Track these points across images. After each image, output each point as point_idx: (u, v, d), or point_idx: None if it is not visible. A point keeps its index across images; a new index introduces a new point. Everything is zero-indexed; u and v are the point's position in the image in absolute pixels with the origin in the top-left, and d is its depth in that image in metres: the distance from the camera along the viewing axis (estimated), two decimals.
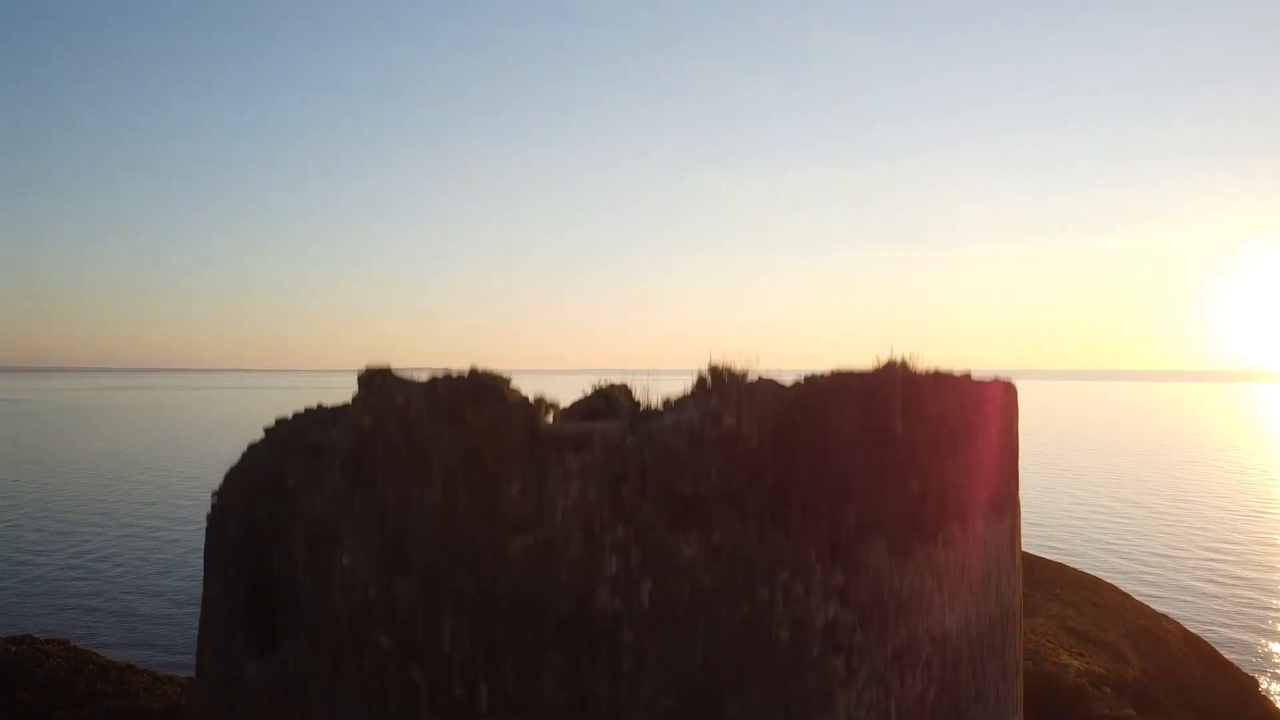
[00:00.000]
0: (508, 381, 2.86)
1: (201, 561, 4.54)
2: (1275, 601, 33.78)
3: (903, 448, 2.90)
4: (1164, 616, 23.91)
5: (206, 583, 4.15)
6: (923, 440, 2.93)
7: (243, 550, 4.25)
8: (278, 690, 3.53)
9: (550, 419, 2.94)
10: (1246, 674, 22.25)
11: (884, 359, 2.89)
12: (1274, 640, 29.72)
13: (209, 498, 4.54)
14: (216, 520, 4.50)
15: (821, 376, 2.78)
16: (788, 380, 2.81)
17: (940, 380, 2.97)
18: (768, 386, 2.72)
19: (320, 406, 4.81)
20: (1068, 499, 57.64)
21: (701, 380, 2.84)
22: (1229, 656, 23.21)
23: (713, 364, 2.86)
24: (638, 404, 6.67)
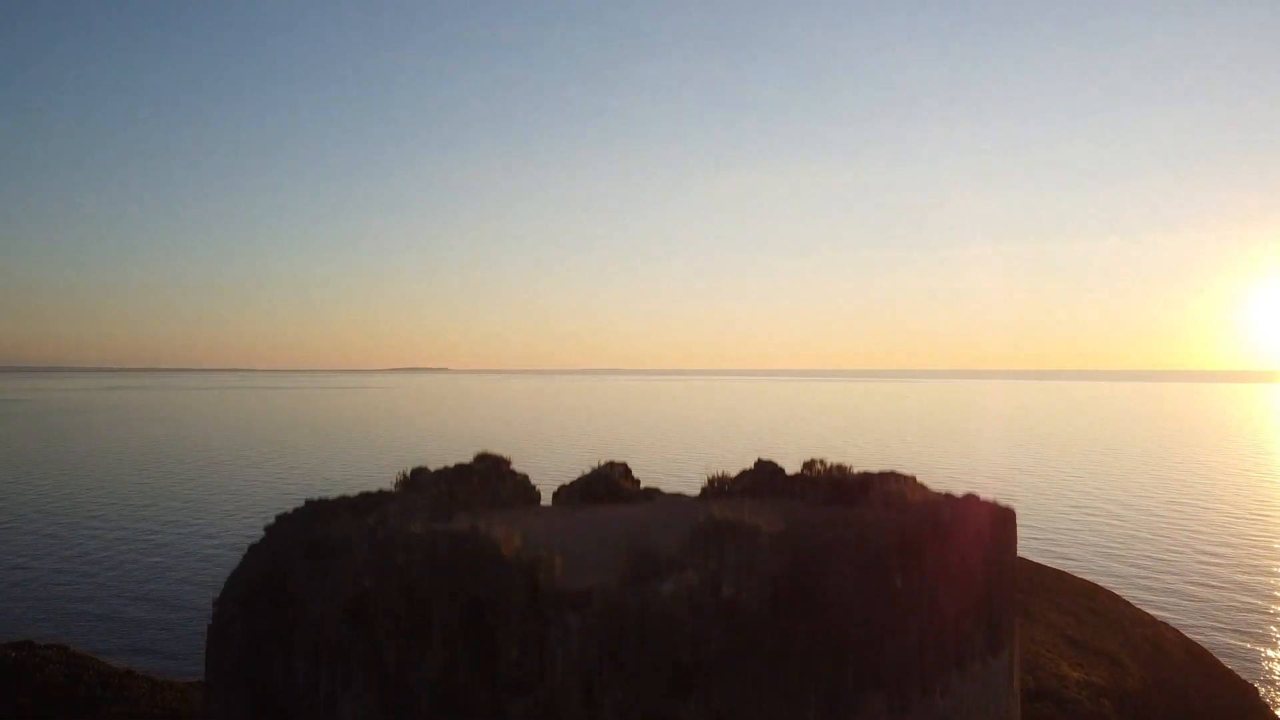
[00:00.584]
0: (508, 537, 2.86)
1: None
2: (1273, 606, 33.81)
3: (901, 602, 2.91)
4: (1164, 624, 23.89)
5: (208, 698, 4.16)
6: (922, 591, 2.94)
7: (244, 666, 4.26)
8: None
9: (551, 572, 2.95)
10: (1247, 683, 22.27)
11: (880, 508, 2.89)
12: (1271, 647, 29.73)
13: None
14: (218, 631, 4.51)
15: (821, 530, 2.79)
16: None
17: (939, 527, 2.97)
18: (767, 547, 2.73)
19: (322, 500, 4.83)
20: (1066, 502, 57.73)
21: (700, 534, 2.85)
22: (1228, 664, 23.24)
23: (714, 519, 2.87)
24: (637, 482, 6.68)
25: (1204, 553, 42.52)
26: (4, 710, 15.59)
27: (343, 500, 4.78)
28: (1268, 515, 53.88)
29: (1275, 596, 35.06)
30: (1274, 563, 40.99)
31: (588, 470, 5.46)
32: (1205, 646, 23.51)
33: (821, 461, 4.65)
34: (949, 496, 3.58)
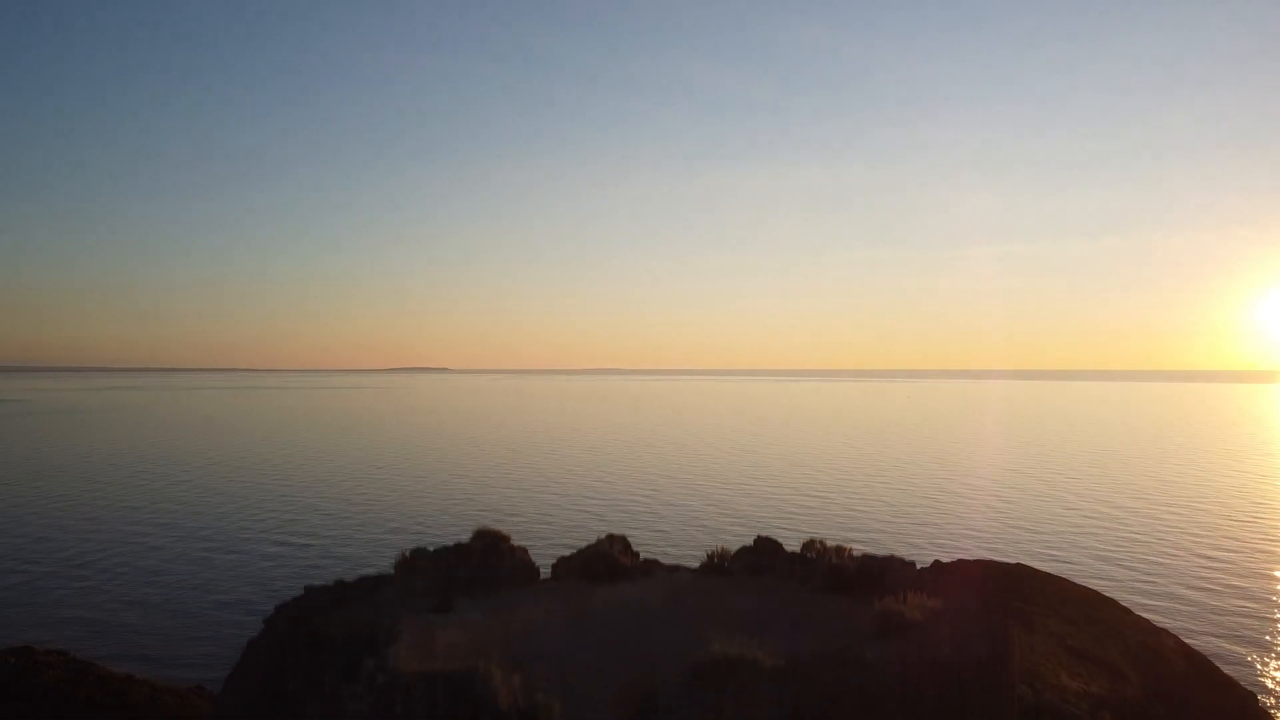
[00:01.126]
0: (507, 685, 2.85)
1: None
2: (1272, 612, 33.61)
3: None
4: (1164, 631, 23.76)
5: None
6: None
7: None
8: None
9: None
10: (1248, 690, 22.20)
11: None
12: (1269, 652, 29.57)
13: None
14: None
15: (823, 670, 2.77)
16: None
17: (941, 670, 2.96)
18: (768, 690, 2.72)
19: (321, 587, 4.82)
20: (1065, 504, 57.54)
21: (700, 673, 2.84)
22: (1228, 669, 23.15)
23: (713, 656, 2.85)
24: (636, 555, 6.66)
25: (1203, 556, 42.34)
26: (5, 715, 15.57)
27: (340, 586, 4.78)
28: (1267, 517, 53.67)
29: (1275, 601, 34.83)
30: (1274, 566, 40.77)
31: (585, 545, 5.45)
32: (1205, 653, 23.42)
33: (821, 543, 4.67)
34: (938, 565, 3.56)
